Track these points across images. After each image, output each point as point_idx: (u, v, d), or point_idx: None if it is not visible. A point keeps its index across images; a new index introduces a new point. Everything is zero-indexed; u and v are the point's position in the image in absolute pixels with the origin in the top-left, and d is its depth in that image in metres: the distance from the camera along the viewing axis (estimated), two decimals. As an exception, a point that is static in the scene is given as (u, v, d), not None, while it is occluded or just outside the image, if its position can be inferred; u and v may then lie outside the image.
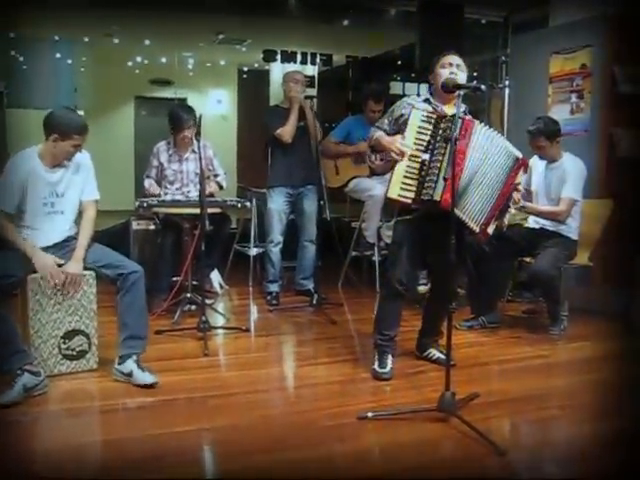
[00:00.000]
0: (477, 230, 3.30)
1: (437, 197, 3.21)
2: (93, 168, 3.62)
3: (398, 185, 3.30)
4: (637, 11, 4.91)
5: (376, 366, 3.55)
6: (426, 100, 3.50)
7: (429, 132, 3.28)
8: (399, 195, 3.30)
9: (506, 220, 4.61)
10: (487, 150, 3.28)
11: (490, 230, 3.36)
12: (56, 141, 3.34)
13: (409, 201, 3.31)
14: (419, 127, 3.29)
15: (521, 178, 3.43)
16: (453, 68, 3.42)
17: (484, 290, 4.55)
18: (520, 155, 3.35)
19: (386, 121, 3.54)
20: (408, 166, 3.29)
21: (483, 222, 3.31)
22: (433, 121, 3.28)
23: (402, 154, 3.28)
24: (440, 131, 3.26)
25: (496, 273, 4.58)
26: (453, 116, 3.15)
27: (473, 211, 3.29)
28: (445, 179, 3.12)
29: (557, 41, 5.52)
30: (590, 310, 4.86)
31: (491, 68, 7.88)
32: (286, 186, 5.18)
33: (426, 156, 3.27)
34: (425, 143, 3.28)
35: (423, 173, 3.27)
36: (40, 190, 3.42)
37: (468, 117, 3.34)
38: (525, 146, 4.63)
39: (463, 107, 3.29)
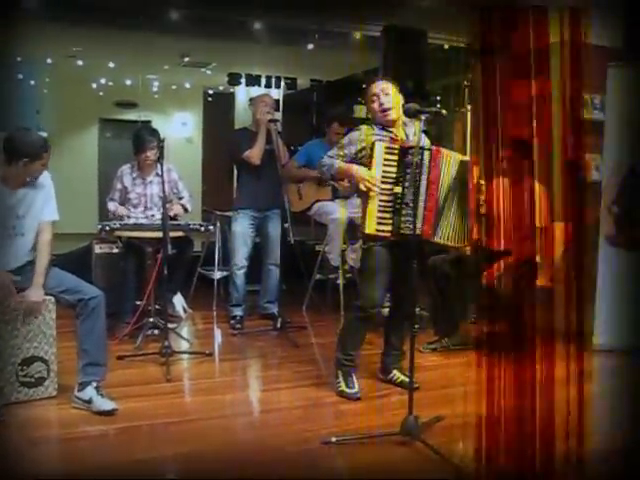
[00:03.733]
0: (463, 246, 3.37)
1: (418, 231, 3.25)
2: (52, 187, 3.56)
3: (374, 220, 3.35)
4: (592, 39, 5.04)
5: (344, 387, 3.55)
6: (382, 128, 3.54)
7: (395, 164, 3.32)
8: (377, 230, 3.36)
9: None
10: (450, 171, 3.37)
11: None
12: (26, 165, 3.29)
13: (388, 234, 3.36)
14: (385, 159, 3.34)
15: (476, 175, 3.50)
16: (381, 98, 3.49)
17: (447, 312, 4.58)
18: (467, 158, 3.45)
19: (341, 153, 3.54)
20: (381, 200, 3.34)
21: (468, 237, 3.40)
22: (397, 152, 3.33)
23: (373, 187, 3.32)
24: (407, 162, 3.31)
25: (459, 295, 4.61)
26: (422, 148, 3.24)
27: (455, 233, 3.35)
28: (425, 210, 3.20)
29: (518, 66, 5.61)
30: (551, 331, 4.91)
31: (454, 92, 7.99)
32: (252, 209, 5.17)
33: (398, 189, 3.32)
34: (394, 175, 3.33)
35: (397, 207, 3.32)
36: (1, 213, 3.36)
37: (434, 147, 3.40)
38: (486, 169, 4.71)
39: (412, 129, 3.40)
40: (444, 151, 3.38)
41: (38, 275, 3.38)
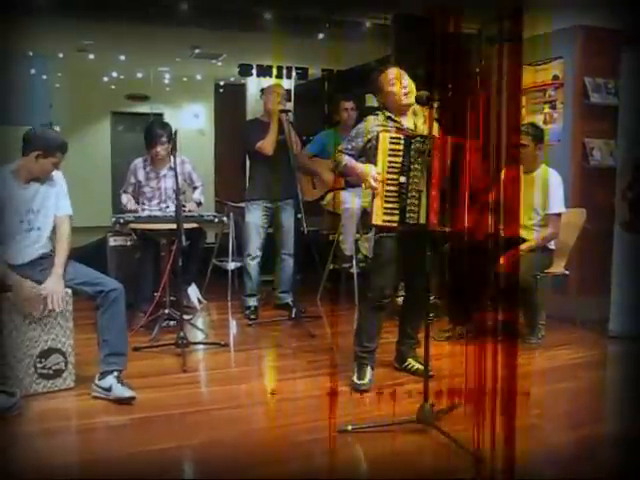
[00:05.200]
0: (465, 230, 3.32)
1: (423, 220, 3.24)
2: (65, 184, 3.61)
3: (381, 210, 3.36)
4: (606, 23, 5.01)
5: (355, 378, 3.56)
6: (388, 117, 3.54)
7: (401, 153, 3.33)
8: (384, 221, 3.38)
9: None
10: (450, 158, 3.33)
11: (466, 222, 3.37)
12: (38, 158, 3.34)
13: (395, 225, 3.36)
14: (390, 150, 3.35)
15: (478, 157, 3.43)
16: (403, 81, 3.50)
17: (461, 300, 4.57)
18: (464, 141, 3.38)
19: (350, 146, 3.58)
20: (387, 190, 3.35)
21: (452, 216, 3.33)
22: (403, 142, 3.33)
23: (375, 183, 3.34)
24: (412, 152, 3.30)
25: (473, 283, 4.60)
26: (424, 136, 3.22)
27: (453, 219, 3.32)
28: (429, 199, 3.17)
29: (529, 53, 5.59)
30: (567, 318, 4.90)
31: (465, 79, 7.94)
32: (265, 200, 5.17)
33: (403, 178, 3.32)
34: (399, 165, 3.33)
35: (403, 196, 3.32)
36: (16, 208, 3.39)
37: (437, 135, 3.38)
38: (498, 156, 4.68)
39: (422, 119, 3.38)
40: (448, 138, 3.37)
41: (58, 266, 3.42)
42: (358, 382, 3.53)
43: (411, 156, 3.31)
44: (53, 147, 3.37)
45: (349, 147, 3.59)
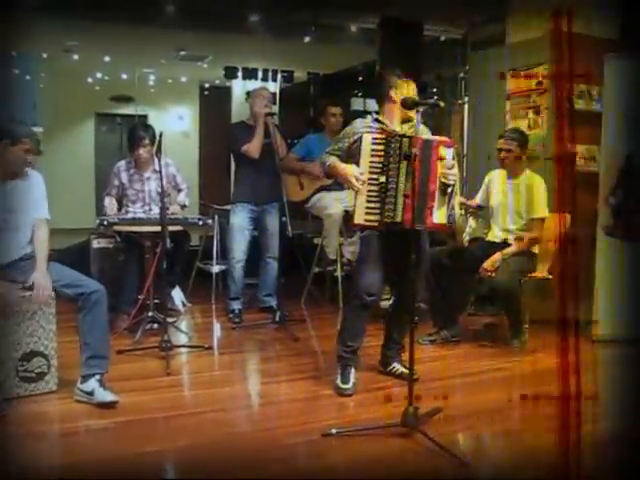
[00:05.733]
0: (422, 227, 3.30)
1: (398, 219, 3.27)
2: (44, 187, 3.58)
3: (362, 210, 3.38)
4: (589, 30, 5.04)
5: (339, 381, 3.56)
6: (376, 120, 3.57)
7: (382, 153, 3.36)
8: (365, 220, 3.40)
9: (467, 236, 4.68)
10: (419, 154, 3.29)
11: (436, 220, 3.34)
12: (6, 147, 3.32)
13: (375, 224, 3.38)
14: (372, 150, 3.39)
15: (445, 153, 3.36)
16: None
17: (446, 304, 4.59)
18: (434, 139, 3.43)
19: (336, 147, 3.61)
20: (369, 190, 3.39)
21: (425, 217, 3.30)
22: (384, 141, 3.36)
23: (357, 186, 3.37)
24: (391, 151, 3.33)
25: (457, 287, 4.63)
26: (402, 135, 3.25)
27: (421, 216, 3.29)
28: (405, 196, 3.19)
29: (514, 58, 5.63)
30: (550, 322, 4.92)
31: (451, 84, 7.99)
32: (250, 202, 5.16)
33: (383, 178, 3.35)
34: (380, 165, 3.36)
35: (382, 195, 3.34)
36: None
37: (415, 135, 3.36)
38: (484, 161, 4.72)
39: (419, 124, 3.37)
40: (425, 137, 3.38)
41: (40, 263, 3.40)
42: (342, 386, 3.53)
43: (391, 156, 3.35)
44: (18, 133, 3.35)
45: (335, 148, 3.63)
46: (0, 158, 3.35)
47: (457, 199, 3.47)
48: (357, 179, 3.37)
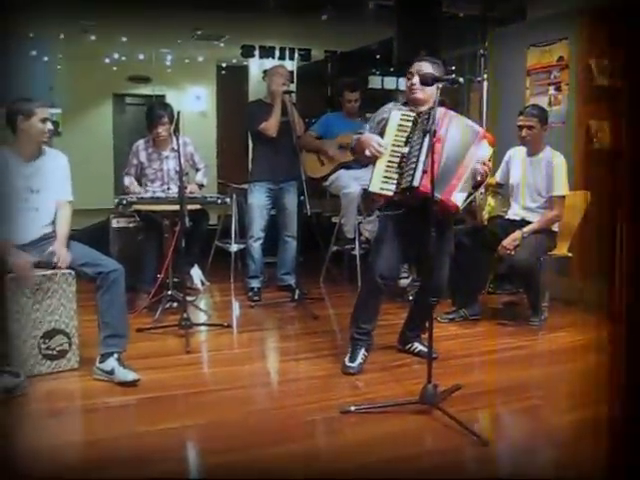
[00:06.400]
0: (439, 196, 3.26)
1: (416, 183, 3.23)
2: (69, 169, 3.61)
3: (379, 179, 3.36)
4: (612, 4, 4.94)
5: (346, 359, 3.57)
6: (405, 103, 3.57)
7: (408, 129, 3.35)
8: (381, 189, 3.36)
9: (486, 214, 4.65)
10: (455, 134, 3.35)
11: (455, 199, 3.34)
12: (22, 123, 3.35)
13: (391, 193, 3.34)
14: (399, 125, 3.38)
15: (487, 151, 3.42)
16: (414, 77, 3.48)
17: (465, 282, 4.57)
18: (480, 129, 3.44)
19: (367, 126, 3.60)
20: (389, 161, 3.36)
21: (446, 190, 3.30)
22: (412, 119, 3.35)
23: (378, 152, 3.33)
24: (418, 124, 3.32)
25: (477, 265, 4.60)
26: (430, 108, 3.22)
27: (441, 186, 3.28)
28: (424, 171, 3.17)
29: (534, 34, 5.55)
30: (570, 300, 4.90)
31: (470, 61, 7.90)
32: (268, 181, 5.16)
33: (405, 149, 3.32)
34: (404, 139, 3.34)
35: (403, 164, 3.31)
36: (14, 184, 3.39)
37: (442, 108, 3.38)
38: (503, 138, 4.67)
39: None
40: (452, 112, 3.39)
41: (61, 237, 3.47)
42: (347, 364, 3.54)
43: (417, 129, 3.33)
44: (29, 105, 3.38)
45: (367, 127, 3.60)
46: (20, 136, 3.37)
47: (478, 195, 3.48)
48: (380, 144, 3.35)
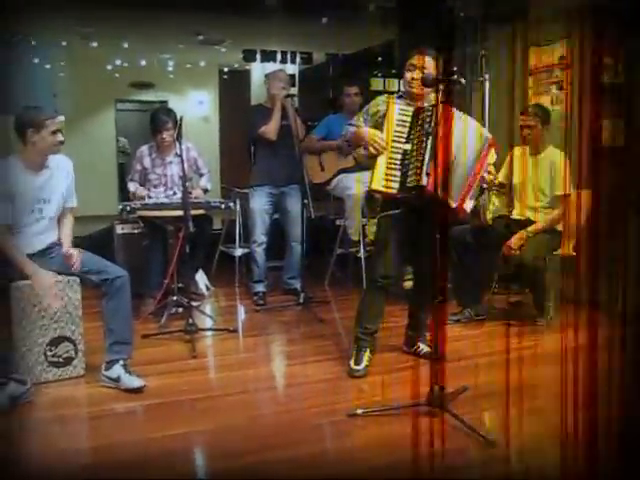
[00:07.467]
0: (454, 205, 3.29)
1: (424, 182, 3.21)
2: (74, 176, 3.62)
3: (381, 176, 3.33)
4: (614, 2, 4.93)
5: (352, 362, 3.56)
6: (400, 97, 3.55)
7: (408, 124, 3.32)
8: (383, 186, 3.33)
9: (489, 214, 4.64)
10: (463, 135, 3.32)
11: (467, 206, 3.36)
12: (32, 136, 3.33)
13: (394, 191, 3.33)
14: (397, 120, 3.35)
15: (493, 158, 3.44)
16: (415, 71, 3.46)
17: (470, 283, 4.56)
18: (490, 135, 3.43)
19: (362, 118, 3.56)
20: (390, 158, 3.33)
21: (459, 198, 3.32)
22: (411, 113, 3.32)
23: (381, 147, 3.31)
24: (419, 121, 3.29)
25: (482, 265, 4.59)
26: (432, 106, 3.19)
27: (456, 194, 3.31)
28: (428, 174, 3.16)
29: (536, 33, 5.54)
30: (576, 299, 4.87)
31: (471, 61, 7.89)
32: (268, 185, 5.16)
33: (407, 146, 3.30)
34: (405, 135, 3.32)
35: (406, 162, 3.30)
36: (27, 196, 3.39)
37: (446, 105, 3.37)
38: (505, 138, 4.66)
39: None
40: (456, 111, 3.36)
41: (68, 243, 3.52)
42: (353, 367, 3.54)
43: (418, 125, 3.30)
44: (40, 117, 3.34)
45: (360, 119, 3.56)
46: (30, 148, 3.37)
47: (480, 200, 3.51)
48: (382, 139, 3.33)
